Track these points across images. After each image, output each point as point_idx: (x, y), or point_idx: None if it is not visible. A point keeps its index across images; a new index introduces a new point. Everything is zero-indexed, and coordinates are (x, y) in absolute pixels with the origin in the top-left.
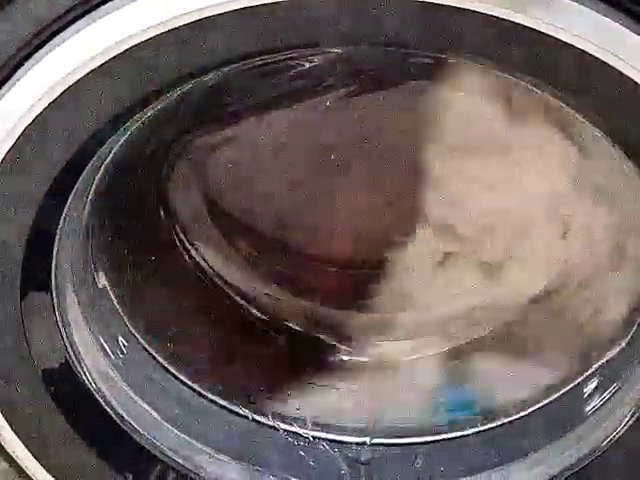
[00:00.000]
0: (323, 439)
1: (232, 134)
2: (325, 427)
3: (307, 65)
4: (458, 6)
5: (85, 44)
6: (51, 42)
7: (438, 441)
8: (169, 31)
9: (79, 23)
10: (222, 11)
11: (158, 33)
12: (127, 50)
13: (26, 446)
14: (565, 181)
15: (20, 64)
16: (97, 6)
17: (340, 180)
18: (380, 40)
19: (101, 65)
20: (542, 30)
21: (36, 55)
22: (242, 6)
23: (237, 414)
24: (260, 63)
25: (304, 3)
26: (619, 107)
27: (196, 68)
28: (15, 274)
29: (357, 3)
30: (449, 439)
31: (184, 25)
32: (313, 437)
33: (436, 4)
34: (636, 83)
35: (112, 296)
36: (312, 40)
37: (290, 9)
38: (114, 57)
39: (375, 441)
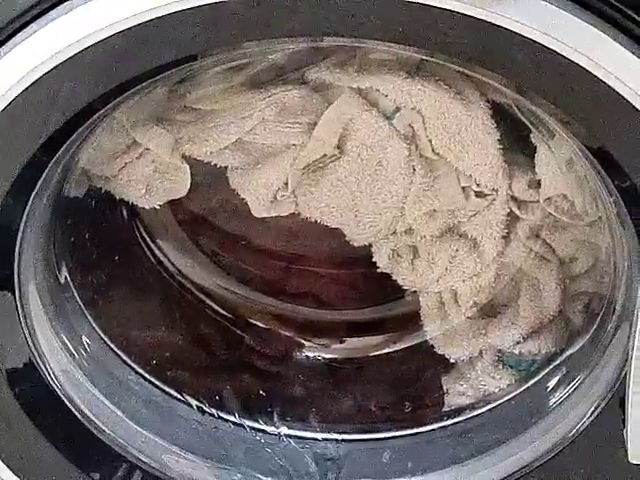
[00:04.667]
0: (290, 436)
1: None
2: (292, 424)
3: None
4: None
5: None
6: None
7: (405, 436)
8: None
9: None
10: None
11: (116, 31)
12: (85, 49)
13: None
14: None
15: None
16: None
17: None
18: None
19: (60, 63)
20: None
21: None
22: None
23: (203, 412)
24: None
25: None
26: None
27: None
28: None
29: None
30: (416, 434)
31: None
32: (280, 434)
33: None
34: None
35: (76, 295)
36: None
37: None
38: (71, 56)
39: (342, 437)
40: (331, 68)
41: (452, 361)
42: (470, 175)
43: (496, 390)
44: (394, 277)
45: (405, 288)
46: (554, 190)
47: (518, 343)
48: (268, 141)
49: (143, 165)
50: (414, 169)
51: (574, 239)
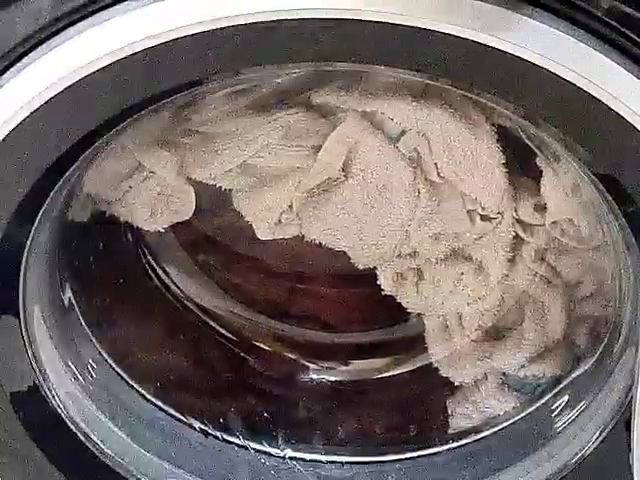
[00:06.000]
0: (295, 458)
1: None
2: (296, 446)
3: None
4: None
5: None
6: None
7: (410, 459)
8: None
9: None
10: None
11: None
12: (89, 75)
13: None
14: None
15: None
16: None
17: None
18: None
19: (64, 89)
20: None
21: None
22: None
23: (207, 434)
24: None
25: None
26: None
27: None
28: None
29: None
30: (421, 456)
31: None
32: (285, 456)
33: (405, 26)
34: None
35: (80, 318)
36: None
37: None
38: (75, 82)
39: (347, 459)
40: (336, 91)
41: (457, 384)
42: (475, 198)
43: (501, 413)
44: (399, 300)
45: (409, 311)
46: (560, 214)
47: (523, 366)
48: (273, 164)
49: (148, 188)
50: (419, 192)
51: (579, 263)
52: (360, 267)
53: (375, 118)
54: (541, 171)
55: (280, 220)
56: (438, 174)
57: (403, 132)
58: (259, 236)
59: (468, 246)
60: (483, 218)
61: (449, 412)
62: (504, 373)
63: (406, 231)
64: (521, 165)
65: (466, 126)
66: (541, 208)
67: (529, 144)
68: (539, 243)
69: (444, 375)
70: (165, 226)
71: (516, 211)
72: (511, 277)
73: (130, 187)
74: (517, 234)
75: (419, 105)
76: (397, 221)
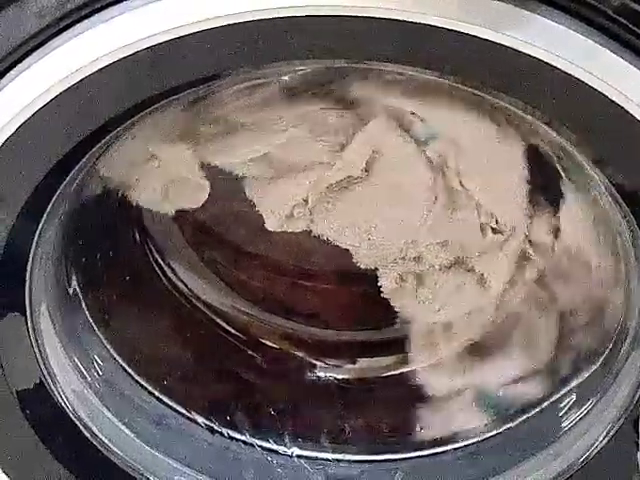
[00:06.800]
0: (301, 456)
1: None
2: (303, 444)
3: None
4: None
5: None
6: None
7: (417, 457)
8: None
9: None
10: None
11: (130, 53)
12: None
13: (2, 468)
14: None
15: None
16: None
17: None
18: (360, 56)
19: (73, 85)
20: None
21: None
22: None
23: (214, 432)
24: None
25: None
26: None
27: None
28: None
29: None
30: (428, 455)
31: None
32: (291, 454)
33: (412, 22)
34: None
35: (87, 315)
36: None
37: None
38: (89, 75)
39: (354, 457)
40: (368, 86)
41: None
42: (491, 213)
43: (469, 428)
44: (393, 303)
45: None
46: (573, 240)
47: (504, 385)
48: (295, 156)
49: (162, 174)
50: (436, 198)
51: (581, 292)
52: (362, 267)
53: (405, 118)
54: (563, 194)
55: (292, 213)
56: (460, 183)
57: (433, 136)
58: (267, 226)
59: (472, 257)
60: (495, 231)
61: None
62: (481, 390)
63: (415, 235)
64: (544, 185)
65: (498, 139)
66: (555, 230)
67: (557, 167)
68: (544, 265)
69: (420, 383)
70: (176, 209)
71: (529, 230)
72: (509, 295)
73: (144, 172)
74: (525, 252)
75: (454, 110)
76: (409, 224)
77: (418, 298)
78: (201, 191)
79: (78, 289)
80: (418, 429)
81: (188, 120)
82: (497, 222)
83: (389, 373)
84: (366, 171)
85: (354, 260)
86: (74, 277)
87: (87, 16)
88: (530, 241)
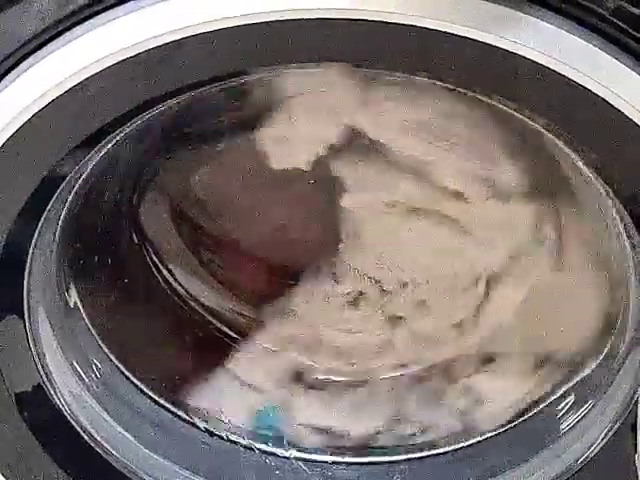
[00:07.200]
0: (300, 459)
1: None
2: (302, 446)
3: None
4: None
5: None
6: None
7: (416, 459)
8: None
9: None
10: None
11: (128, 56)
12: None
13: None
14: None
15: None
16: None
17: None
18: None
19: (71, 88)
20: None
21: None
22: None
23: (213, 434)
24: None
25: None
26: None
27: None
28: None
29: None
30: (426, 457)
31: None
32: (290, 457)
33: (405, 25)
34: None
35: (85, 318)
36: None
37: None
38: (82, 80)
39: (353, 460)
40: None
41: None
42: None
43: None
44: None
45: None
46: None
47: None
48: None
49: None
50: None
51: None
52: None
53: None
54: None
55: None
56: None
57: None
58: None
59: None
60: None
61: None
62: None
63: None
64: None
65: None
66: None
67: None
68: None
69: None
70: None
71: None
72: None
73: None
74: None
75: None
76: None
77: None
78: None
79: (76, 292)
80: None
81: None
82: None
83: (388, 375)
84: None
85: None
86: (72, 280)
87: (87, 18)
88: None
